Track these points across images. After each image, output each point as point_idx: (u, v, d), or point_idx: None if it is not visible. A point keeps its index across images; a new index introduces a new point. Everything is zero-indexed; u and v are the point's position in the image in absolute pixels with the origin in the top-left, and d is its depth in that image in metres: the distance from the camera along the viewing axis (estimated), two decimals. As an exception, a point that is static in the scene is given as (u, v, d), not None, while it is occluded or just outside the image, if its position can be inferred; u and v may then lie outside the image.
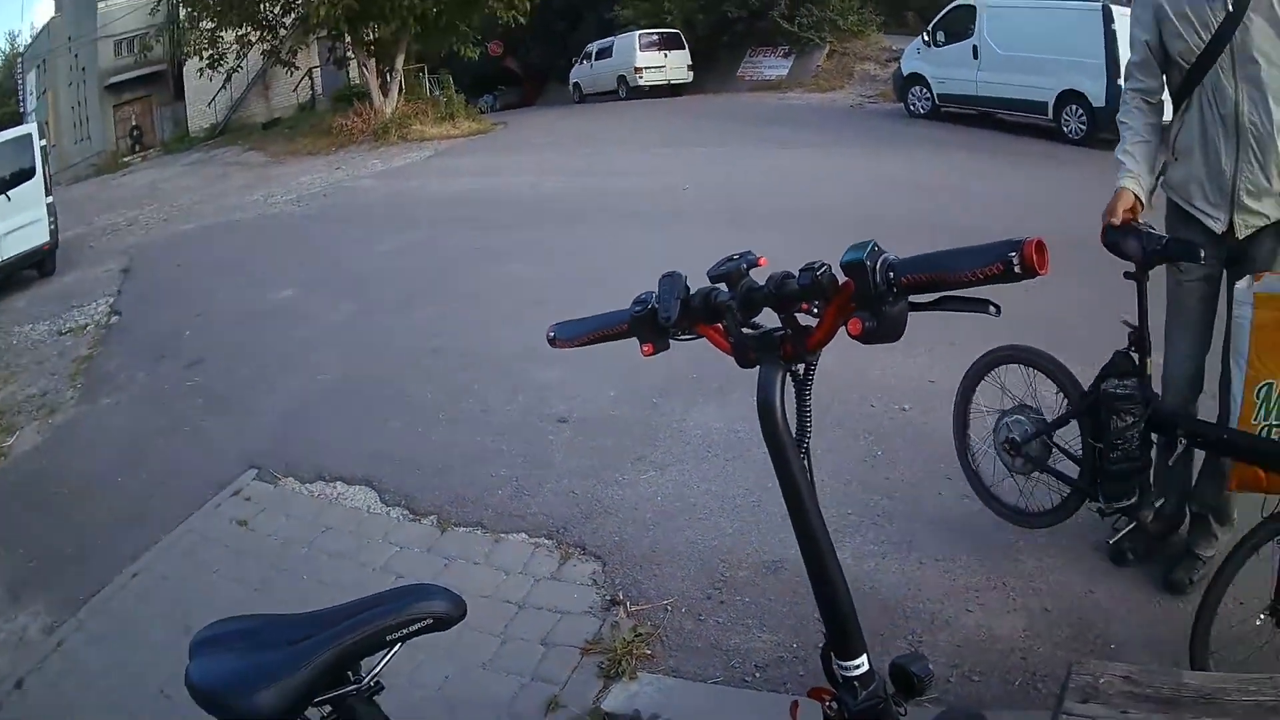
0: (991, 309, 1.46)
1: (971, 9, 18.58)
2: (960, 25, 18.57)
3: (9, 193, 15.23)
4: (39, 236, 15.54)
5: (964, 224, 9.13)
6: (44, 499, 6.54)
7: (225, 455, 6.39)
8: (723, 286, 1.69)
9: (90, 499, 6.30)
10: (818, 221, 9.97)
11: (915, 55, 19.90)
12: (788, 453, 1.57)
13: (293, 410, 7.09)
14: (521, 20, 26.07)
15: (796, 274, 1.56)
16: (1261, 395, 3.14)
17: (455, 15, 26.00)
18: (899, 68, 21.06)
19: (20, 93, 63.44)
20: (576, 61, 33.33)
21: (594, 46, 32.35)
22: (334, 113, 29.41)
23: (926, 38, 19.43)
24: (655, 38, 30.59)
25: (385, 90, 26.77)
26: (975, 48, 18.00)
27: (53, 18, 54.89)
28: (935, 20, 19.51)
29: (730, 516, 4.50)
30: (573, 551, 4.38)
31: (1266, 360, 3.11)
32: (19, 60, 66.48)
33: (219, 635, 1.77)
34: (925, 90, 19.48)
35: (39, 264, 16.06)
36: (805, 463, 1.60)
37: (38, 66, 57.99)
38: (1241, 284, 3.19)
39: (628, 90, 30.31)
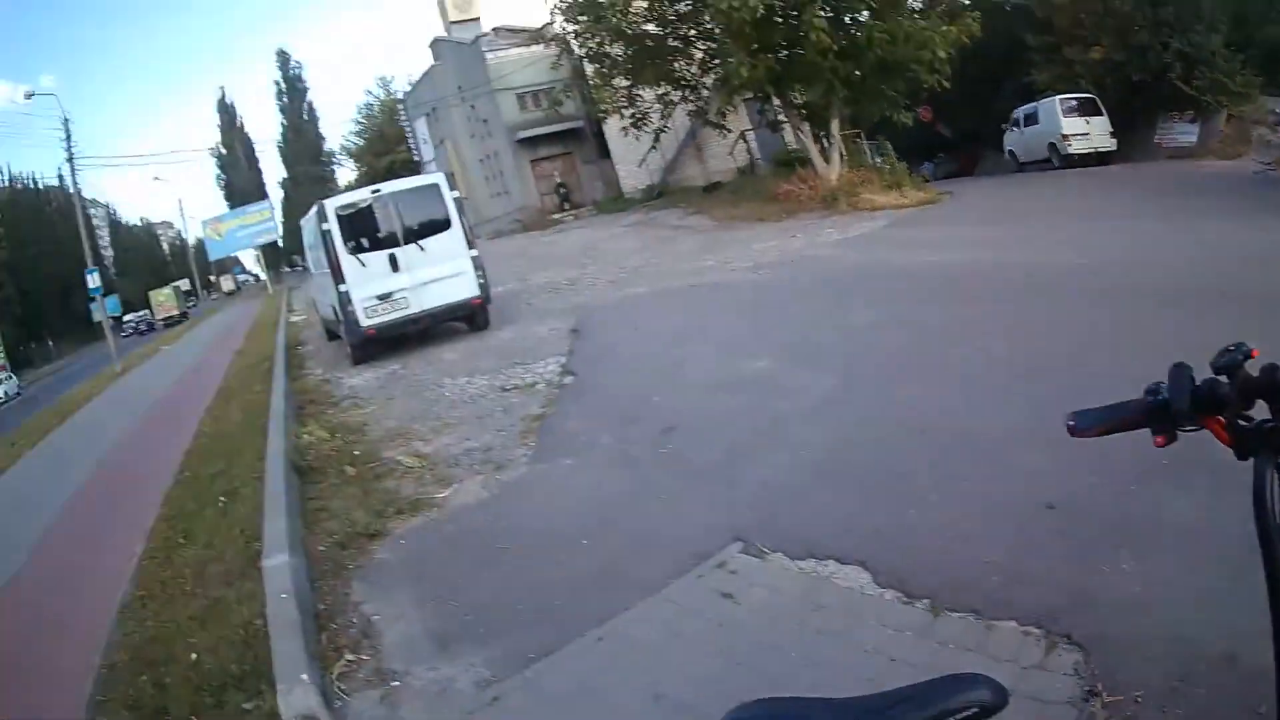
0: None
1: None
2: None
3: (422, 242, 15.94)
4: (466, 290, 16.14)
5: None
6: (488, 556, 6.63)
7: (705, 526, 6.26)
8: (1223, 378, 1.75)
9: (546, 559, 6.36)
10: (1239, 302, 8.87)
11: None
12: (1274, 543, 1.62)
13: (776, 484, 6.87)
14: (945, 84, 25.27)
15: None
16: None
17: (880, 80, 25.55)
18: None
19: (411, 139, 67.93)
20: (1006, 128, 32.49)
21: (1021, 112, 31.67)
22: (776, 177, 29.59)
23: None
24: (1075, 103, 29.60)
25: (825, 156, 26.58)
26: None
27: (433, 66, 58.46)
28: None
29: (1200, 609, 4.19)
30: (1058, 640, 4.19)
31: None
32: (400, 107, 71.53)
33: (755, 717, 1.70)
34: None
35: (468, 318, 16.83)
36: None
37: (426, 115, 62.20)
38: None
39: (1060, 158, 29.35)
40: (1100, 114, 29.34)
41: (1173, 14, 27.20)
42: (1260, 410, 1.66)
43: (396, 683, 5.02)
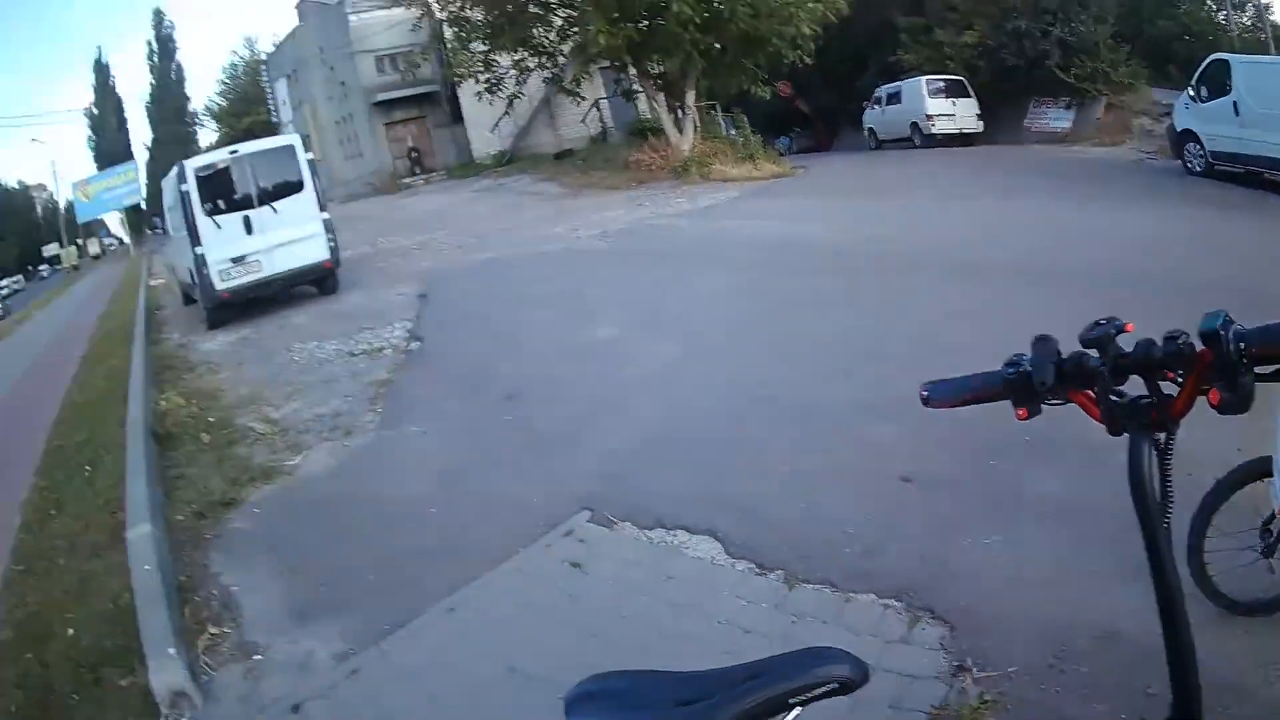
0: None
1: (1226, 64, 17.57)
2: (1218, 81, 17.56)
3: (275, 204, 15.96)
4: (317, 253, 16.23)
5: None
6: (340, 524, 6.75)
7: (552, 494, 6.43)
8: (1093, 352, 1.72)
9: (396, 528, 6.49)
10: (1121, 283, 9.47)
11: (1185, 110, 18.87)
12: (1154, 522, 1.61)
13: (622, 452, 7.08)
14: (807, 60, 26.05)
15: (1160, 342, 1.61)
16: None
17: (741, 53, 26.11)
18: (1172, 123, 20.08)
19: (270, 101, 66.76)
20: (867, 106, 33.34)
21: (884, 91, 32.41)
22: (629, 147, 30.12)
23: (1192, 93, 18.48)
24: (942, 84, 30.47)
25: (679, 126, 27.01)
26: (1235, 104, 16.97)
27: (296, 27, 57.14)
28: (1196, 75, 18.53)
29: (1070, 586, 4.40)
30: (922, 615, 4.33)
31: None
32: (263, 68, 70.58)
33: (597, 691, 1.74)
34: (1199, 147, 18.45)
35: (318, 282, 16.89)
36: (1168, 531, 1.64)
37: (287, 76, 61.29)
38: None
39: (922, 138, 30.15)
40: (968, 96, 30.31)
41: (1057, 3, 28.07)
42: (1134, 386, 1.67)
43: (259, 656, 5.09)
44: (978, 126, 30.25)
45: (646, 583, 5.10)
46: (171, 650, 4.96)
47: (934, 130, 29.76)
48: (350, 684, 4.70)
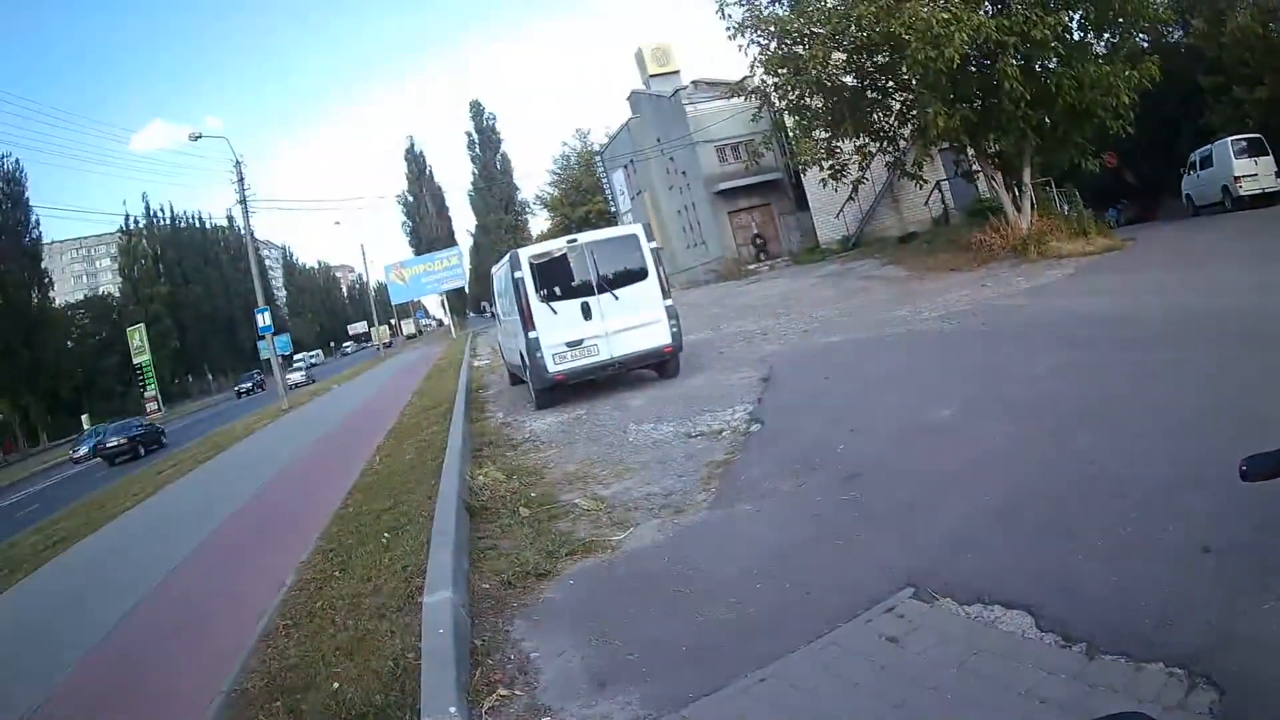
0: None
1: None
2: None
3: (616, 291, 16.29)
4: (659, 338, 16.35)
5: None
6: (659, 597, 6.59)
7: (881, 572, 6.26)
8: None
9: (718, 601, 6.29)
10: None
11: None
12: None
13: (953, 530, 6.85)
14: (1130, 130, 25.06)
15: None
16: None
17: (1069, 127, 25.49)
18: None
19: (607, 190, 69.74)
20: (1184, 172, 32.19)
21: (1196, 156, 31.55)
22: (969, 227, 30.07)
23: None
24: (1244, 144, 29.50)
25: (1017, 205, 26.66)
26: None
27: (631, 118, 60.71)
28: None
29: None
30: (1199, 681, 4.24)
31: None
32: (598, 159, 75.03)
33: None
34: None
35: (658, 366, 17.04)
36: None
37: (624, 167, 64.61)
38: None
39: (1231, 200, 29.24)
40: (1266, 154, 29.25)
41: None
42: None
43: (547, 719, 5.00)
44: (1277, 185, 28.82)
45: (956, 656, 5.04)
46: (453, 709, 4.80)
47: (1241, 192, 28.79)
48: (638, 747, 4.65)
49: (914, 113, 26.75)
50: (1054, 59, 24.36)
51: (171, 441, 46.06)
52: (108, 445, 47.78)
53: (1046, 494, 7.13)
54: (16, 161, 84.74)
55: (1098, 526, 6.21)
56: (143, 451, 45.04)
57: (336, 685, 5.73)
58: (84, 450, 55.15)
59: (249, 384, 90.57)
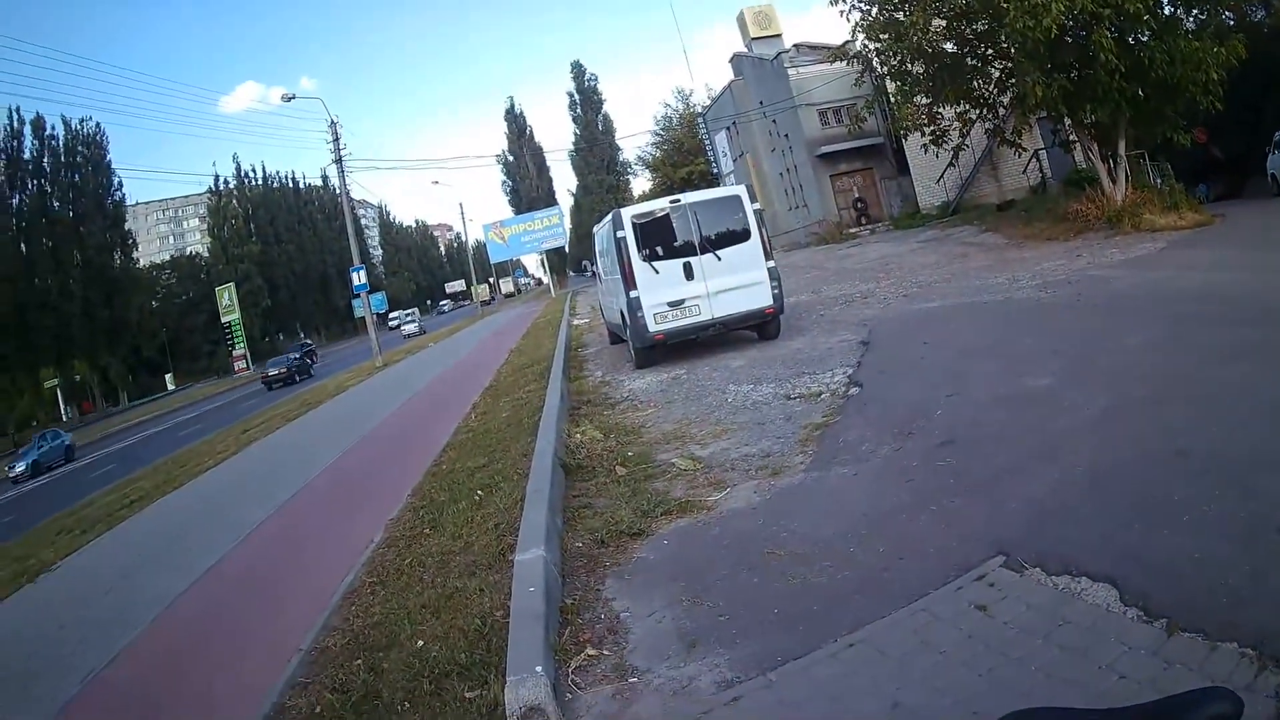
0: None
1: None
2: None
3: (719, 252, 16.31)
4: (761, 299, 16.32)
5: None
6: (753, 559, 6.61)
7: (973, 539, 6.26)
8: None
9: (812, 564, 6.34)
10: None
11: None
12: None
13: (1045, 499, 6.78)
14: (1219, 106, 24.64)
15: None
16: None
17: (1161, 101, 25.15)
18: None
19: (710, 153, 69.40)
20: (1269, 151, 31.23)
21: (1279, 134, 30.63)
22: (1066, 197, 29.81)
23: None
24: None
25: (1112, 176, 26.47)
26: None
27: (733, 80, 61.21)
28: None
29: None
30: (1268, 664, 4.23)
31: None
32: (700, 121, 74.30)
33: None
34: None
35: (759, 327, 17.03)
36: None
37: (726, 129, 64.69)
38: None
39: None
40: None
41: None
42: None
43: (634, 679, 5.05)
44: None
45: (1041, 626, 5.07)
46: (539, 668, 4.85)
47: (1321, 172, 28.51)
48: (727, 711, 4.70)
49: (1012, 81, 26.57)
50: (1146, 33, 24.08)
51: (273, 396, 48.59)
52: (269, 373, 58.41)
53: (1134, 466, 7.09)
54: (97, 125, 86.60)
55: (1182, 502, 6.18)
56: (297, 379, 53.33)
57: (421, 643, 5.80)
58: (21, 468, 42.91)
59: (284, 365, 60.83)
